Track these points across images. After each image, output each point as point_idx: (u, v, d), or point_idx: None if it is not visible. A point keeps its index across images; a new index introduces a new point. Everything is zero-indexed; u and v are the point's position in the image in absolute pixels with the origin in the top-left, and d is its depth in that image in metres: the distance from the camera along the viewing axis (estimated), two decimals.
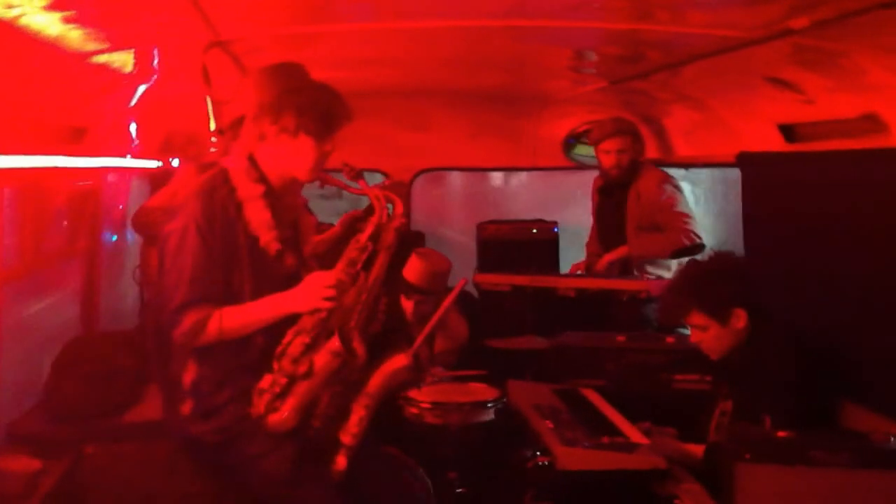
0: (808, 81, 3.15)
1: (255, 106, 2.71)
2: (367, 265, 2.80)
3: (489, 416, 3.81)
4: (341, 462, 2.76)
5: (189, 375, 2.66)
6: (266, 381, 2.62)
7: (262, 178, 2.72)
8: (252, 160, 2.73)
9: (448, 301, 3.11)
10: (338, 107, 2.72)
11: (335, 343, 2.62)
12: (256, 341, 2.68)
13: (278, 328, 2.67)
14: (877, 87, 2.84)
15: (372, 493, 2.93)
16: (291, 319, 2.67)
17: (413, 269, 3.96)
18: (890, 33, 2.52)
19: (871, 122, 2.95)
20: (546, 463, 3.26)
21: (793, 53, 2.94)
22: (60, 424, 3.39)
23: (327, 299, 2.62)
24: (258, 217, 2.68)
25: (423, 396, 3.88)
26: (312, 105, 2.68)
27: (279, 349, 2.64)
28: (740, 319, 3.11)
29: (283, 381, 2.61)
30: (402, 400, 3.89)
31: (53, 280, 3.96)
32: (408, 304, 4.02)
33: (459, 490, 3.77)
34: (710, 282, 3.17)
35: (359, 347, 2.70)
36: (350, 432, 2.78)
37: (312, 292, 2.64)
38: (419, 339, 2.98)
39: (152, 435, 3.06)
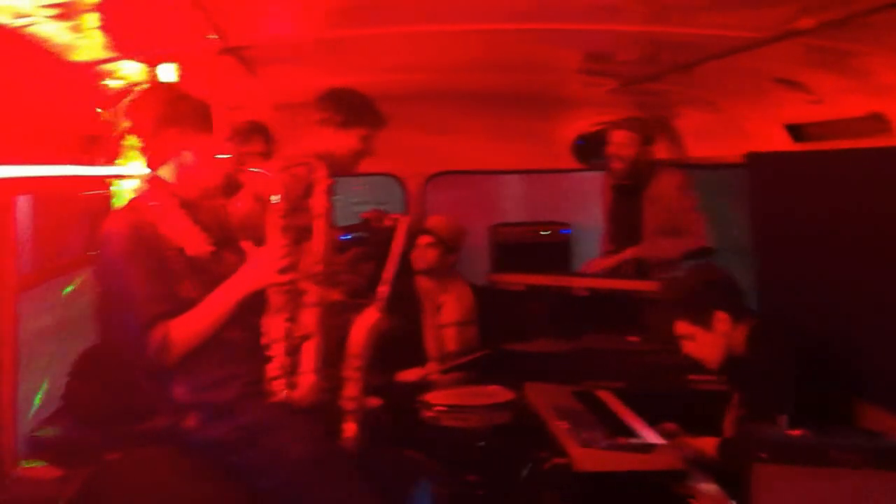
0: (819, 82, 3.15)
1: (142, 127, 2.81)
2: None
3: (506, 418, 3.82)
4: (350, 428, 2.84)
5: (180, 389, 2.69)
6: (273, 367, 2.67)
7: (174, 192, 2.77)
8: (159, 177, 2.79)
9: (400, 236, 3.22)
10: (205, 108, 2.82)
11: (313, 294, 2.68)
12: (232, 337, 2.71)
13: (249, 321, 2.71)
14: (885, 88, 2.85)
15: (392, 495, 2.96)
16: (258, 311, 2.71)
17: (440, 224, 4.69)
18: None
19: (877, 122, 2.96)
20: (563, 464, 3.27)
21: (804, 54, 2.94)
22: (81, 431, 3.39)
23: (282, 271, 2.66)
24: (181, 228, 2.72)
25: (440, 399, 3.90)
26: (190, 111, 2.77)
27: (269, 337, 2.68)
28: (723, 322, 3.20)
29: (288, 359, 2.66)
30: (419, 403, 3.91)
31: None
32: (430, 254, 4.59)
33: (479, 492, 3.78)
34: (688, 290, 3.35)
35: (332, 292, 2.77)
36: (349, 398, 2.87)
37: (265, 268, 2.68)
38: (384, 285, 3.07)
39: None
